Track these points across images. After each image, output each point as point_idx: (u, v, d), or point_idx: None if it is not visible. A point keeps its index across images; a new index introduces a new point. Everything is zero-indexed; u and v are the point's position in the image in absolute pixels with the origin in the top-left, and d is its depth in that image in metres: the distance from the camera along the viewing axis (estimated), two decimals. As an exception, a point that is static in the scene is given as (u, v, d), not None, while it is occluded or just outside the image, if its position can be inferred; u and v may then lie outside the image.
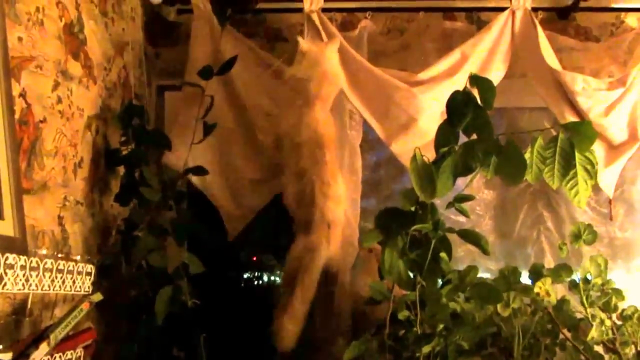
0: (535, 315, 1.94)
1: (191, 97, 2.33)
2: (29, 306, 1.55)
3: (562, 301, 1.98)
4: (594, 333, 1.91)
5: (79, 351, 1.65)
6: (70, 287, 1.62)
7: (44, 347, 1.44)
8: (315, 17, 2.39)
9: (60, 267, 1.56)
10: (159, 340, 2.01)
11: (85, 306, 1.59)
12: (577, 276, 2.01)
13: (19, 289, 1.40)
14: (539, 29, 2.32)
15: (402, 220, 1.75)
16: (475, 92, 1.67)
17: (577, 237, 2.01)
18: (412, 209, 1.76)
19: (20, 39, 1.60)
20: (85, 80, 2.00)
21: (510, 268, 1.97)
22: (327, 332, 2.14)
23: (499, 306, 1.90)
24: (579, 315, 1.97)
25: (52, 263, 1.52)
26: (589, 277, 2.00)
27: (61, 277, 1.57)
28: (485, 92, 1.67)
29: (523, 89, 2.47)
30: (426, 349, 1.72)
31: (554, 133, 1.78)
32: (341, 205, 2.16)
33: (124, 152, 2.16)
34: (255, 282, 2.78)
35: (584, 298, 1.96)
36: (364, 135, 2.48)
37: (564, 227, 2.51)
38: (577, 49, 2.47)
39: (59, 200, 1.82)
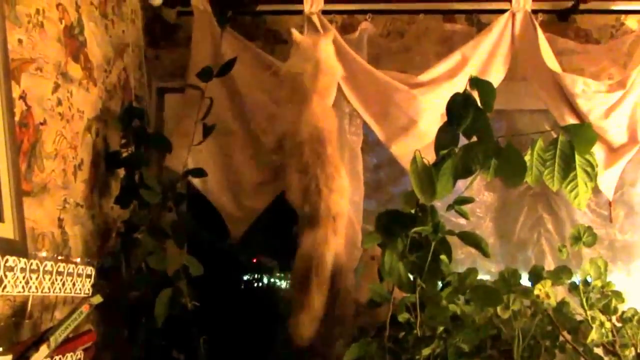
0: (535, 318, 1.93)
1: (192, 99, 2.34)
2: (28, 308, 1.55)
3: (562, 303, 1.98)
4: (593, 335, 1.91)
5: (79, 353, 1.65)
6: (70, 289, 1.62)
7: (43, 350, 1.45)
8: (315, 19, 2.40)
9: (60, 269, 1.56)
10: (158, 342, 2.01)
11: (85, 308, 1.59)
12: (577, 278, 2.00)
13: (19, 292, 1.41)
14: (539, 31, 2.32)
15: (402, 222, 1.75)
16: (475, 95, 1.67)
17: (577, 239, 2.00)
18: (412, 211, 1.76)
19: (20, 41, 1.60)
20: (85, 82, 2.00)
21: (510, 270, 1.97)
22: (328, 335, 2.13)
23: (498, 308, 1.90)
24: (578, 318, 1.97)
25: (52, 265, 1.53)
26: (589, 279, 1.99)
27: (61, 280, 1.57)
28: (485, 94, 1.67)
29: (523, 91, 2.47)
30: (426, 352, 1.72)
31: (554, 135, 1.78)
32: (345, 197, 2.17)
33: (124, 154, 2.17)
34: (255, 285, 2.78)
35: (584, 300, 1.96)
36: (364, 137, 2.48)
37: (564, 229, 2.50)
38: (577, 51, 2.47)
39: (59, 202, 1.82)
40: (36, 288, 1.46)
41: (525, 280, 2.00)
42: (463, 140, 1.72)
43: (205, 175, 2.25)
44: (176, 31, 2.65)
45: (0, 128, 1.44)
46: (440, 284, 1.82)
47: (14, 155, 1.48)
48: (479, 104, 1.66)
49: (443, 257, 1.78)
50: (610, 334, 1.95)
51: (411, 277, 1.76)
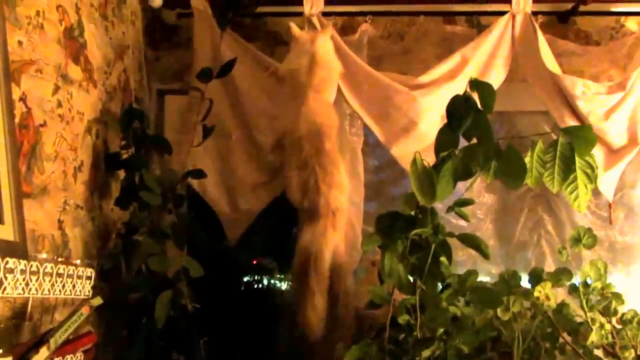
0: (535, 319, 1.93)
1: (192, 101, 2.34)
2: (29, 310, 1.55)
3: (562, 305, 1.98)
4: (593, 337, 1.91)
5: (79, 355, 1.64)
6: (70, 291, 1.62)
7: (44, 351, 1.44)
8: (315, 20, 2.40)
9: (60, 271, 1.56)
10: (158, 344, 2.01)
11: (85, 310, 1.59)
12: (577, 280, 2.00)
13: (19, 293, 1.40)
14: (539, 32, 2.32)
15: (403, 224, 1.75)
16: (475, 96, 1.67)
17: (577, 241, 2.00)
18: (413, 213, 1.76)
19: (20, 42, 1.60)
20: (85, 84, 2.00)
21: (510, 272, 1.97)
22: (329, 337, 2.13)
23: (498, 310, 1.90)
24: (578, 319, 1.96)
25: (52, 267, 1.52)
26: (588, 281, 1.99)
27: (61, 281, 1.57)
28: (485, 96, 1.67)
29: (523, 93, 2.47)
30: (426, 353, 1.71)
31: (554, 137, 1.78)
32: (344, 193, 2.17)
33: (124, 156, 2.16)
34: (255, 286, 2.78)
35: (584, 302, 1.95)
36: (364, 139, 2.49)
37: (564, 231, 2.50)
38: (577, 53, 2.47)
39: (59, 204, 1.82)
40: (36, 290, 1.46)
41: (525, 282, 2.00)
42: (463, 142, 1.73)
43: (205, 177, 2.25)
44: (176, 33, 2.65)
45: (0, 130, 1.44)
46: (440, 285, 1.82)
47: (14, 157, 1.48)
48: (479, 105, 1.67)
49: (443, 259, 1.78)
50: (610, 336, 1.95)
51: (411, 278, 1.76)
